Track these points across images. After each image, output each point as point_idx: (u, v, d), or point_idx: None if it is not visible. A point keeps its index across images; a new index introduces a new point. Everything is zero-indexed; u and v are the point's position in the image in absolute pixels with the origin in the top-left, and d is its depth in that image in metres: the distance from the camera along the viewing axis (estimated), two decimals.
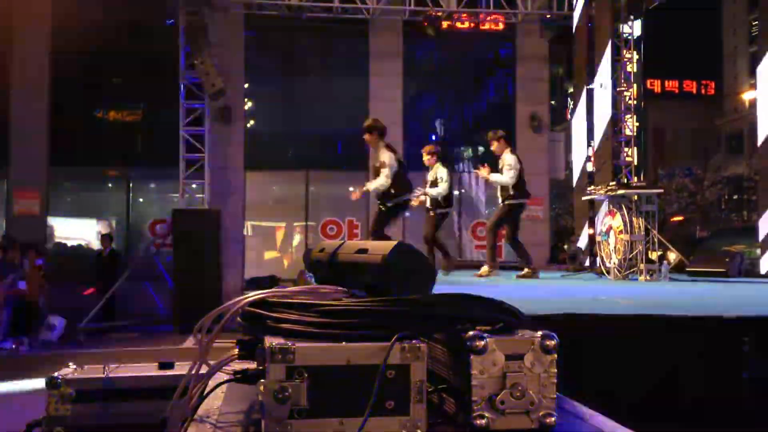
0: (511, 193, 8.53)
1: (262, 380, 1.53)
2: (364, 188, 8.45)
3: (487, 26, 15.74)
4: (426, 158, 9.45)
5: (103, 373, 2.66)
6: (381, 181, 8.03)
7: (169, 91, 14.39)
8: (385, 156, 8.08)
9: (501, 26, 15.65)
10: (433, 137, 16.59)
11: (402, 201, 8.26)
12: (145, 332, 12.88)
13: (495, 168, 8.81)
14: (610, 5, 13.41)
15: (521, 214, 8.86)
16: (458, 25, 15.43)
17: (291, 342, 1.56)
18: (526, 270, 8.62)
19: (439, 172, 9.18)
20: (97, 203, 16.02)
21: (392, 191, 8.07)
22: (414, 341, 1.59)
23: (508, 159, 8.61)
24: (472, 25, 15.77)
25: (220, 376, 1.91)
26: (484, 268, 8.69)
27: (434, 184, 9.18)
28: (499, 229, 8.82)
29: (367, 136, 8.22)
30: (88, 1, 13.80)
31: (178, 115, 14.05)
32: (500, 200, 8.71)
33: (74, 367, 2.74)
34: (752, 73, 40.43)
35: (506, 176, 8.53)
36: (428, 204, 9.24)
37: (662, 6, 13.37)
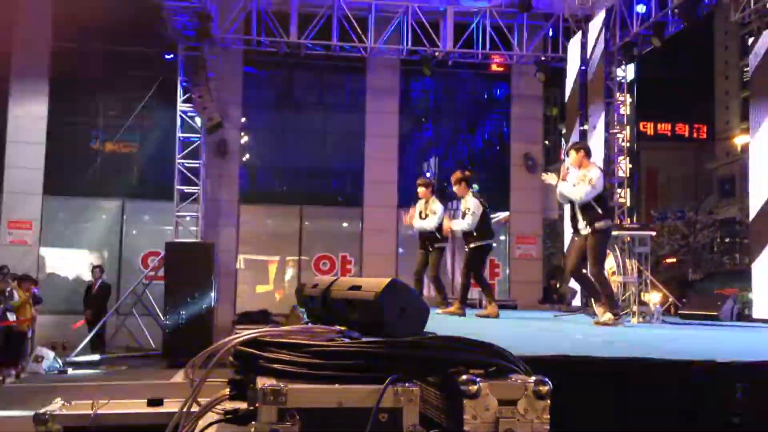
0: (600, 212, 6.89)
1: (254, 422, 1.52)
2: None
3: (482, 66, 16.02)
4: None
5: (92, 409, 2.62)
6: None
7: (166, 124, 14.48)
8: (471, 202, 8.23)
9: (496, 67, 15.94)
10: (428, 174, 16.65)
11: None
12: (134, 365, 12.74)
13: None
14: (603, 49, 13.62)
15: (607, 243, 7.19)
16: (454, 64, 15.63)
17: (283, 383, 1.55)
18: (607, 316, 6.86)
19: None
20: (90, 234, 15.93)
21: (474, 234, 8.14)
22: (407, 384, 1.59)
23: (593, 172, 6.93)
24: (468, 65, 15.99)
25: (211, 416, 1.89)
26: (608, 315, 6.86)
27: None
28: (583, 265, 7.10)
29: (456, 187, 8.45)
30: (88, 31, 13.95)
31: (174, 148, 14.11)
32: (582, 226, 6.99)
33: (62, 402, 2.70)
34: (744, 118, 40.96)
35: (582, 190, 6.86)
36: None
37: (655, 50, 13.57)
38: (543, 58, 15.39)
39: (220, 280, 14.19)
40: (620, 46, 13.80)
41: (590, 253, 6.87)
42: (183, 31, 13.59)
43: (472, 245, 8.20)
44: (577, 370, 3.32)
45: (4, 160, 14.54)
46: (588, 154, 7.22)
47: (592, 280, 6.98)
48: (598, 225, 6.82)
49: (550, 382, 1.60)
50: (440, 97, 17.07)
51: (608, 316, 6.82)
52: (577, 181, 7.00)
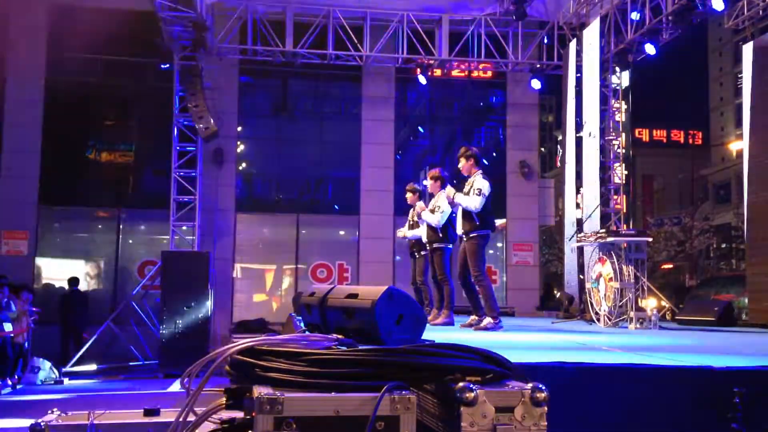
0: (477, 223, 7.12)
1: (250, 431, 1.51)
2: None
3: (478, 74, 16.08)
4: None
5: (88, 420, 2.61)
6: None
7: (161, 133, 14.47)
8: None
9: (491, 74, 16.02)
10: (423, 183, 16.63)
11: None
12: (130, 375, 12.70)
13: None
14: (598, 56, 13.67)
15: (483, 248, 7.23)
16: (450, 72, 15.66)
17: (279, 392, 1.54)
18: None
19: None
20: (86, 244, 15.91)
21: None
22: (404, 392, 1.58)
23: (478, 182, 7.14)
24: (464, 73, 16.04)
25: (207, 426, 1.88)
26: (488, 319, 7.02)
27: None
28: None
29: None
30: (83, 42, 13.95)
31: (170, 157, 14.11)
32: (462, 233, 7.29)
33: (58, 412, 2.69)
34: (739, 125, 41.10)
35: (476, 200, 7.02)
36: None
37: (650, 57, 13.62)
38: (538, 66, 15.44)
39: (216, 289, 14.16)
40: (615, 53, 13.85)
41: (469, 258, 7.18)
42: (179, 40, 13.62)
43: (434, 245, 8.01)
44: (574, 377, 3.32)
45: (0, 169, 14.50)
46: (477, 161, 7.40)
47: (474, 288, 7.18)
48: (472, 234, 7.12)
49: (546, 389, 1.60)
50: (436, 105, 17.11)
51: (488, 320, 6.97)
52: (467, 190, 7.25)
